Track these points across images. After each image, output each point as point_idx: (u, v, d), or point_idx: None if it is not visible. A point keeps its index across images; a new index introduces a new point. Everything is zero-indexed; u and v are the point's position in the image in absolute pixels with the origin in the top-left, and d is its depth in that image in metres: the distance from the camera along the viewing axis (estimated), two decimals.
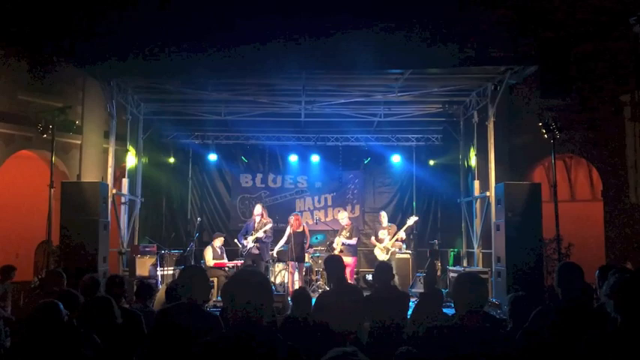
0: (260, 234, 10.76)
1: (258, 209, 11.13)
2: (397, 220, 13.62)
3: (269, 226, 10.89)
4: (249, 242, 10.79)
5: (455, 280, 3.16)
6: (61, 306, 3.27)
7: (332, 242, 12.06)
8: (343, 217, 11.83)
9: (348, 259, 10.23)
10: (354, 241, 11.28)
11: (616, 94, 12.77)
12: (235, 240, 11.52)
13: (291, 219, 11.21)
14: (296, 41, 9.15)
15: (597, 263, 12.42)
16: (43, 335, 3.12)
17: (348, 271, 10.12)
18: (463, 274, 3.38)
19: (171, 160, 14.67)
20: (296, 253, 10.89)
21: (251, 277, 2.53)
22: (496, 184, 10.52)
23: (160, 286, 9.91)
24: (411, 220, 11.68)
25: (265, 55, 9.38)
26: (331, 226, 14.16)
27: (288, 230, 11.11)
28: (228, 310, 2.49)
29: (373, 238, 11.84)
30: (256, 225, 10.94)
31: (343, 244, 11.29)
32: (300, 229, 11.10)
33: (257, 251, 10.81)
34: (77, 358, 3.09)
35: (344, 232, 11.41)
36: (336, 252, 10.92)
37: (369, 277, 12.36)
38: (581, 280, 3.68)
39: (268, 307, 2.50)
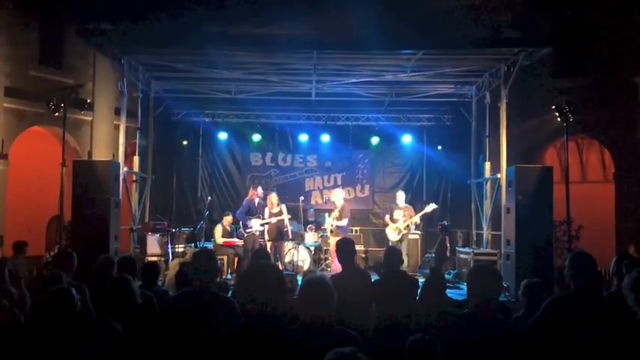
0: (273, 220, 10.74)
1: (275, 198, 10.93)
2: (407, 199, 13.61)
3: (288, 218, 10.86)
4: (254, 224, 10.74)
5: (470, 273, 3.16)
6: (74, 291, 3.27)
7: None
8: (338, 195, 11.06)
9: (337, 239, 10.09)
10: (344, 222, 10.71)
11: (630, 75, 12.61)
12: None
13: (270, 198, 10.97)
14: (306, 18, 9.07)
15: (607, 245, 12.42)
16: (55, 324, 3.13)
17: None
18: (478, 267, 3.38)
19: (182, 138, 14.71)
20: (274, 233, 10.76)
21: (267, 275, 2.55)
22: (507, 165, 10.45)
23: (170, 263, 10.00)
24: (430, 208, 11.40)
25: (275, 29, 9.30)
26: None
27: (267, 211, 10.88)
28: (243, 304, 2.52)
29: (387, 217, 11.63)
30: (263, 208, 10.86)
31: (333, 225, 10.76)
32: (275, 210, 10.80)
33: (259, 233, 10.82)
34: (91, 348, 3.11)
35: (334, 213, 10.81)
36: (327, 233, 10.71)
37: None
38: (594, 270, 3.67)
39: (282, 302, 2.52)
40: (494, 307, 3.01)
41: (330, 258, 11.79)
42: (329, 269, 11.07)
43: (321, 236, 12.41)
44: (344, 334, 2.66)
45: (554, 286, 8.18)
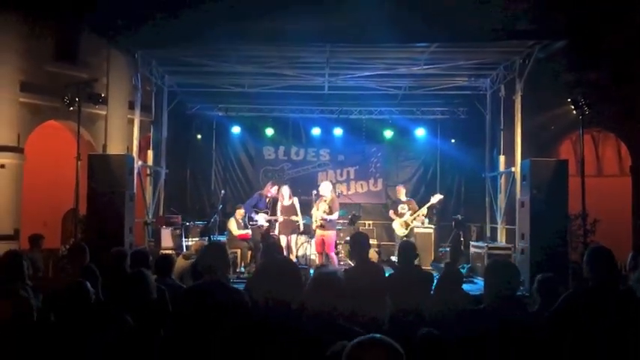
0: (280, 218, 10.75)
1: (287, 191, 10.96)
2: (420, 193, 13.62)
3: (301, 222, 10.82)
4: (259, 218, 10.79)
5: (487, 267, 3.13)
6: (88, 285, 3.29)
7: (354, 215, 11.99)
8: (326, 189, 10.60)
9: (327, 232, 10.11)
10: (335, 215, 10.38)
11: None
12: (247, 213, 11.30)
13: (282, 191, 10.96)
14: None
15: (623, 239, 12.23)
16: (69, 317, 3.15)
17: (327, 244, 10.08)
18: (496, 262, 3.34)
19: (196, 132, 14.78)
20: (285, 227, 10.75)
21: (283, 272, 2.55)
22: (522, 159, 10.37)
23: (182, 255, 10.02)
24: (435, 199, 11.38)
25: (287, 23, 9.28)
26: (354, 200, 14.21)
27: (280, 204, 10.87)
28: (257, 298, 2.53)
29: (392, 211, 11.63)
30: (274, 203, 10.87)
31: (323, 219, 10.31)
32: (287, 203, 10.80)
33: (264, 228, 10.84)
34: (101, 341, 3.12)
35: (323, 206, 10.32)
36: (315, 226, 10.48)
37: (394, 258, 11.92)
38: (613, 265, 3.62)
39: (297, 297, 2.52)
40: (511, 302, 2.99)
41: (342, 251, 11.74)
42: (342, 262, 11.04)
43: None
44: (347, 330, 2.65)
45: (570, 281, 8.11)
